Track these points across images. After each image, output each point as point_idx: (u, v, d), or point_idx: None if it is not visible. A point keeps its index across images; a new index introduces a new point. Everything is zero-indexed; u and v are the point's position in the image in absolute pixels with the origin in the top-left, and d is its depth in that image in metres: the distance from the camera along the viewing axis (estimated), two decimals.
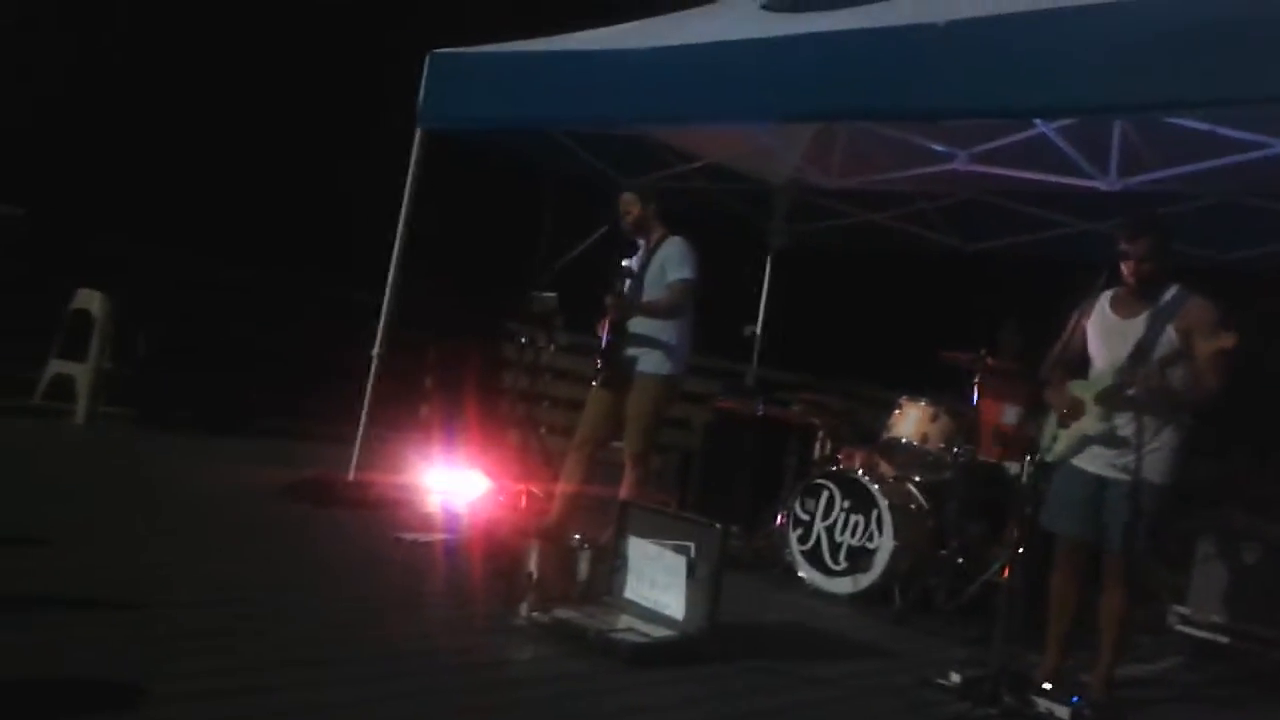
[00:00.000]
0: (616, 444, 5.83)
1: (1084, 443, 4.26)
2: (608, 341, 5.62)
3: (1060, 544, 4.38)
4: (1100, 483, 4.22)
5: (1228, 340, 3.91)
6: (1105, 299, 4.37)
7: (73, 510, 5.10)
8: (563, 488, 5.82)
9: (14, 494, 5.24)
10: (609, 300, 5.60)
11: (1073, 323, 4.35)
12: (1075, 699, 4.01)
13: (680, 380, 5.75)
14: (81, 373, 7.87)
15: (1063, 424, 4.31)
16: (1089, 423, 4.23)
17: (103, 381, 7.94)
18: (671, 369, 5.62)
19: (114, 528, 4.88)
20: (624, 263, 5.73)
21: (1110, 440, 4.19)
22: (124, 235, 9.46)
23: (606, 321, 5.62)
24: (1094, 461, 4.25)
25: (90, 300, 8.04)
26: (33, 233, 8.82)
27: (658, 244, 5.71)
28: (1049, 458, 4.35)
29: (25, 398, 8.00)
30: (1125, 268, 4.22)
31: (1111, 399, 4.17)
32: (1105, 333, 4.32)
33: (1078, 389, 4.32)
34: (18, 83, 10.28)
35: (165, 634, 3.55)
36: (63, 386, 7.94)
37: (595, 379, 5.76)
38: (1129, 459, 4.13)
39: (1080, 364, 4.41)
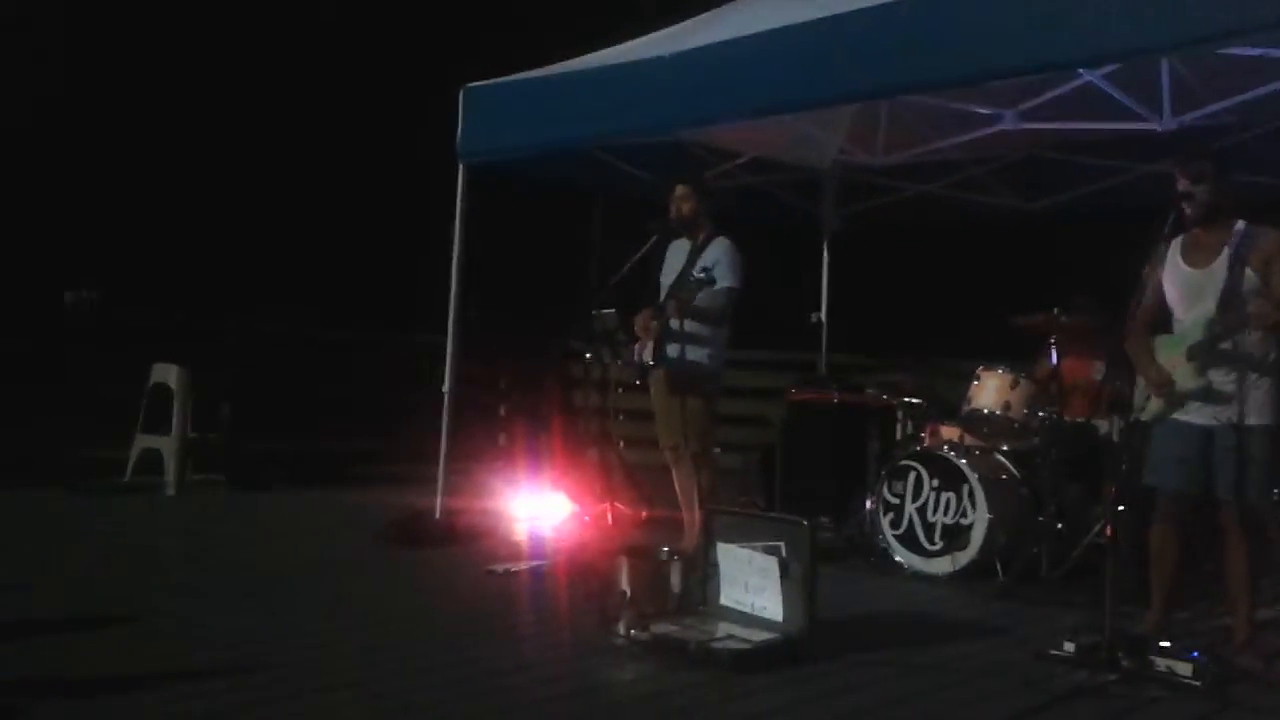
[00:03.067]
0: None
1: (1181, 399, 4.13)
2: (655, 343, 5.68)
3: (1162, 498, 4.25)
4: (1206, 434, 4.09)
5: None
6: (1175, 249, 4.23)
7: (171, 578, 5.21)
8: (684, 499, 5.80)
9: (113, 570, 5.37)
10: (659, 314, 5.65)
11: (1146, 277, 4.20)
12: (1195, 654, 3.88)
13: (721, 377, 5.84)
14: (166, 445, 8.06)
15: (1156, 394, 4.18)
16: (1183, 379, 4.10)
17: (188, 450, 8.12)
18: (716, 366, 5.71)
19: (211, 591, 4.95)
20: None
21: (1209, 394, 4.07)
22: (191, 307, 9.70)
23: (648, 325, 5.68)
24: (1198, 413, 4.11)
25: (167, 373, 8.23)
26: (106, 314, 9.06)
27: (705, 243, 5.70)
28: (1144, 417, 4.23)
29: (118, 477, 8.21)
30: (1188, 207, 4.08)
31: (1207, 354, 4.05)
32: (1183, 285, 4.19)
33: (1167, 347, 4.19)
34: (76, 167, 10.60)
35: (281, 694, 3.59)
36: (152, 461, 8.14)
37: (639, 381, 5.86)
38: (1232, 408, 4.02)
39: (1163, 317, 4.27)
